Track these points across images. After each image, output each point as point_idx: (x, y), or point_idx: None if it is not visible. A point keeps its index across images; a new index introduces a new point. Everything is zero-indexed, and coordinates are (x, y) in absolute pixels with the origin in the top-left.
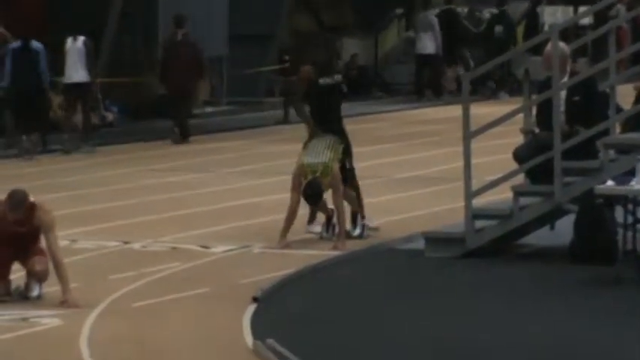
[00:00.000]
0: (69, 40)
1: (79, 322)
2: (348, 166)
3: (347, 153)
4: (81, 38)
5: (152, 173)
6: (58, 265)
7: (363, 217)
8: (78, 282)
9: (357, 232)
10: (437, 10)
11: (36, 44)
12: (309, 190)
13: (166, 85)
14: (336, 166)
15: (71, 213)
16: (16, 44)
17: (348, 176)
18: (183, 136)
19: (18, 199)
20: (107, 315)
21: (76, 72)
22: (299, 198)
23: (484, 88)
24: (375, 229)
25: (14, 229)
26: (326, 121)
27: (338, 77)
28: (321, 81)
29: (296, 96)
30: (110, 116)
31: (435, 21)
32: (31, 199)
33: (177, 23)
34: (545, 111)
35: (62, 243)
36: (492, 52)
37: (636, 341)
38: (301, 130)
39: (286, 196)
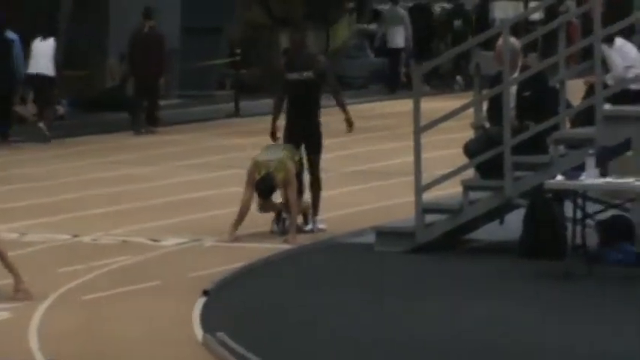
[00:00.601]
0: (37, 39)
1: (28, 314)
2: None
3: (317, 152)
4: (50, 38)
5: (103, 166)
6: (3, 257)
7: (315, 214)
8: (27, 275)
9: (309, 226)
10: (409, 4)
11: (11, 34)
12: (262, 184)
13: (134, 76)
14: (290, 164)
15: (21, 206)
16: None
17: (312, 168)
18: (151, 124)
19: None
20: (57, 308)
21: (43, 65)
22: (252, 194)
23: (454, 83)
24: (322, 230)
25: None
26: (299, 115)
27: (308, 74)
28: (289, 76)
29: (277, 87)
30: (61, 109)
31: (406, 14)
32: None
33: (146, 15)
34: (495, 106)
35: (12, 236)
36: (452, 45)
37: (584, 334)
38: (252, 123)
39: (238, 190)
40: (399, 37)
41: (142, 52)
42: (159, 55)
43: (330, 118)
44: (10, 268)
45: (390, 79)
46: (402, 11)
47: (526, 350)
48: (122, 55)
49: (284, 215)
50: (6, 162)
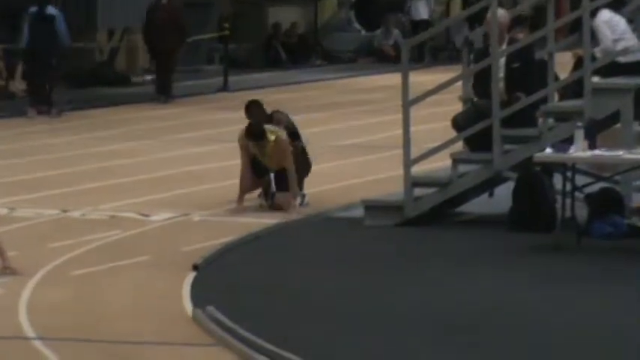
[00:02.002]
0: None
1: (17, 290)
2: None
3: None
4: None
5: (92, 141)
6: None
7: (301, 189)
8: (17, 250)
9: (298, 201)
10: None
11: (52, 10)
12: (254, 127)
13: (150, 46)
14: (283, 134)
15: (10, 181)
16: (33, 9)
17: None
18: (165, 95)
19: None
20: (46, 283)
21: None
22: (248, 160)
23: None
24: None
25: None
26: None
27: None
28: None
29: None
30: None
31: None
32: None
33: None
34: (481, 79)
35: (0, 211)
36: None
37: (573, 306)
38: (241, 97)
39: (227, 164)
40: (422, 9)
41: (159, 23)
42: (176, 26)
43: (319, 92)
44: None
45: (417, 52)
46: None
47: (515, 322)
48: (111, 31)
49: (272, 189)
50: None
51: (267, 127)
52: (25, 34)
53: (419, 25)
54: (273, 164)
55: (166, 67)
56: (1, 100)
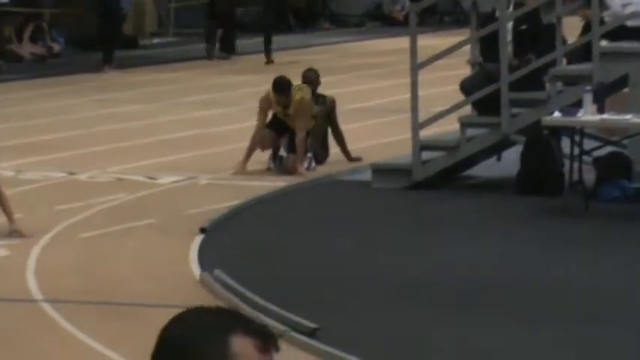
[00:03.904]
0: None
1: (25, 252)
2: None
3: None
4: None
5: (99, 104)
6: None
7: (307, 151)
8: (24, 213)
9: (305, 164)
10: None
11: None
12: (279, 79)
13: (209, 4)
14: (308, 94)
15: (18, 144)
16: None
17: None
18: (226, 51)
19: None
20: (54, 245)
21: None
22: (265, 119)
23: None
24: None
25: None
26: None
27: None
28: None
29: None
30: (57, 47)
31: None
32: None
33: None
34: (490, 43)
35: (8, 174)
36: None
37: (582, 268)
38: (248, 61)
39: (234, 127)
40: None
41: None
42: None
43: (327, 55)
44: (4, 207)
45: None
46: None
47: (523, 285)
48: None
49: (281, 152)
50: (2, 99)
51: (296, 84)
52: None
53: None
54: (294, 124)
55: (225, 24)
56: (11, 62)
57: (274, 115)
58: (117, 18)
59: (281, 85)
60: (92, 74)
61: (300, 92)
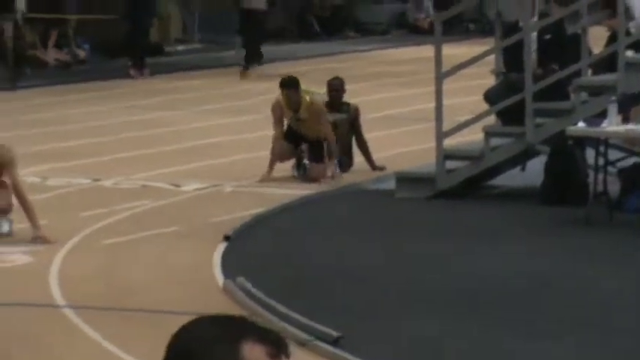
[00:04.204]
0: None
1: (48, 258)
2: None
3: None
4: None
5: (124, 111)
6: (23, 202)
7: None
8: (48, 219)
9: (329, 173)
10: None
11: None
12: (287, 78)
13: (240, 12)
14: (319, 98)
15: (42, 150)
16: None
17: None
18: (255, 61)
19: None
20: (77, 252)
21: None
22: (282, 126)
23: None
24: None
25: None
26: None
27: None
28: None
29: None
30: (82, 53)
31: None
32: None
33: None
34: (514, 52)
35: (33, 180)
36: None
37: (605, 278)
38: (273, 69)
39: (259, 135)
40: None
41: None
42: None
43: (352, 63)
44: (27, 213)
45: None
46: None
47: (546, 295)
48: None
49: (304, 161)
50: (27, 106)
51: (305, 88)
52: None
53: None
54: (308, 131)
55: (255, 33)
56: (36, 69)
57: (289, 126)
58: (147, 23)
59: (288, 81)
60: (116, 81)
61: (309, 95)
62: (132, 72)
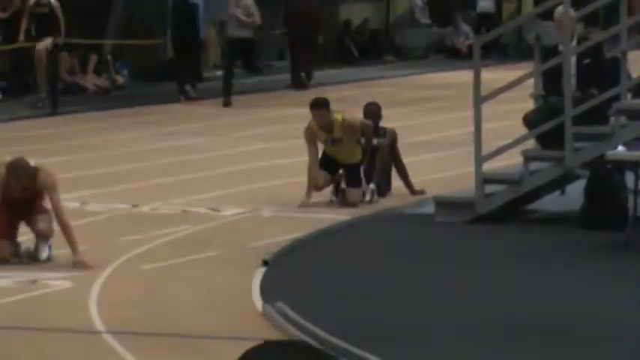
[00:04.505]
0: None
1: (88, 284)
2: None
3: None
4: None
5: (162, 137)
6: (63, 227)
7: (369, 182)
8: (88, 244)
9: (367, 197)
10: None
11: None
12: (316, 98)
13: (290, 34)
14: (354, 118)
15: (82, 175)
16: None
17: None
18: (306, 80)
19: (19, 169)
20: (117, 277)
21: None
22: (317, 150)
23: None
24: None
25: (19, 194)
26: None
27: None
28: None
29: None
30: (120, 79)
31: None
32: (32, 163)
33: None
34: (554, 76)
35: (72, 205)
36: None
37: None
38: (310, 94)
39: (297, 160)
40: (487, 3)
41: (297, 10)
42: (314, 13)
43: (390, 88)
44: (68, 238)
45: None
46: None
47: (586, 321)
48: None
49: (342, 186)
50: (67, 132)
51: (334, 109)
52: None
53: (484, 17)
54: (343, 155)
55: (305, 53)
56: (74, 95)
57: (323, 153)
58: (196, 48)
59: (318, 101)
60: (155, 106)
61: (340, 114)
62: (183, 97)
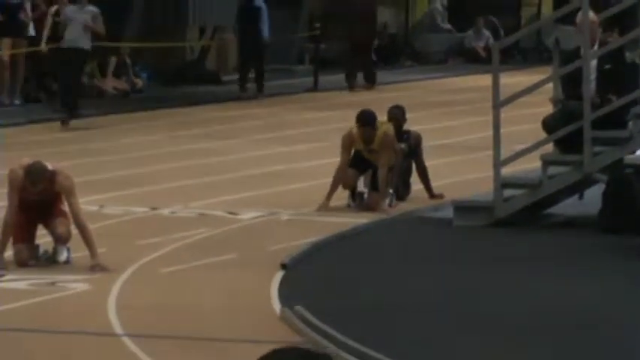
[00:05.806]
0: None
1: (106, 287)
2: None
3: None
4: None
5: (181, 139)
6: (82, 230)
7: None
8: (106, 247)
9: (387, 201)
10: None
11: (259, 2)
12: (365, 112)
13: (350, 36)
14: (391, 130)
15: (100, 179)
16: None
17: None
18: (369, 82)
19: (37, 172)
20: (135, 280)
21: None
22: (348, 157)
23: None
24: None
25: (36, 197)
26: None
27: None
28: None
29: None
30: (139, 82)
31: None
32: (49, 167)
33: None
34: (573, 81)
35: (91, 208)
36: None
37: None
38: (330, 98)
39: (315, 164)
40: None
41: (355, 12)
42: (371, 14)
43: (409, 92)
44: (86, 241)
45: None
46: None
47: (605, 324)
48: (201, 29)
49: (360, 189)
50: (84, 135)
51: (380, 120)
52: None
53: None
54: (378, 160)
55: (365, 55)
56: (93, 98)
57: (356, 152)
58: (260, 47)
59: (368, 117)
60: (174, 109)
61: (384, 127)
62: (241, 95)
